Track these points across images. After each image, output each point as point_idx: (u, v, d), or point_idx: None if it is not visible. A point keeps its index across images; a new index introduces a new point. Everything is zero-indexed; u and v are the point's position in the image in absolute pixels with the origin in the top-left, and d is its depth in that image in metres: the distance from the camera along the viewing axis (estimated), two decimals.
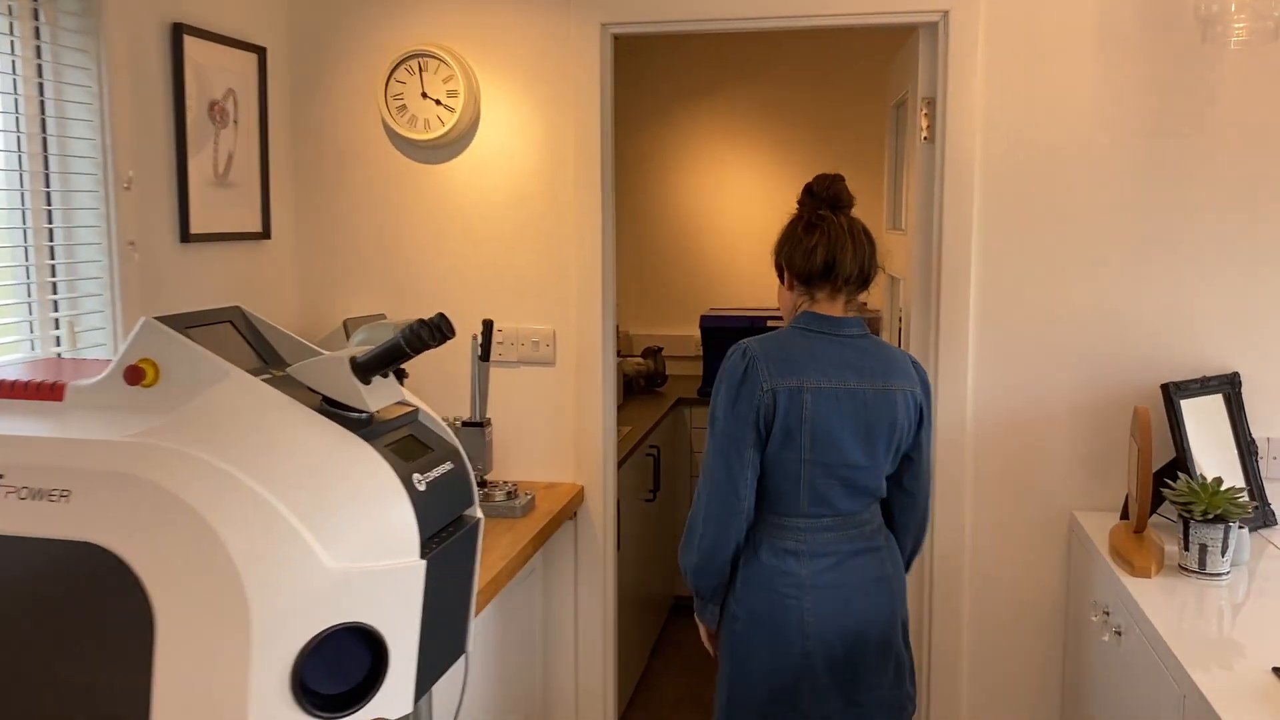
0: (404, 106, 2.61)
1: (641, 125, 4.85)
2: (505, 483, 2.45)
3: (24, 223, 1.96)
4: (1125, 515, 2.30)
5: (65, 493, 1.10)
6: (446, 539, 1.44)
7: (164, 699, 1.06)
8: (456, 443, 1.53)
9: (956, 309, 2.43)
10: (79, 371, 1.36)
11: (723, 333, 4.25)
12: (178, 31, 2.22)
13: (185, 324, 1.32)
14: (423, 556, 1.26)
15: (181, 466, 1.11)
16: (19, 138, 1.94)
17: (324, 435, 1.35)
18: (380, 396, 1.45)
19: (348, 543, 1.27)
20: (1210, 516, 1.95)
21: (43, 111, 1.97)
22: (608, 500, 2.68)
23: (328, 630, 1.13)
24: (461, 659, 1.46)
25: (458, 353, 2.67)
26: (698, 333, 4.69)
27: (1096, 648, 2.16)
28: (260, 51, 2.52)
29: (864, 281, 2.00)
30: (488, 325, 2.42)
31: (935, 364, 2.46)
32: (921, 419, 1.98)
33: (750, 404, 1.89)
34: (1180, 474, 2.10)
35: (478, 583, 1.62)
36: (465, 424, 2.41)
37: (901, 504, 2.02)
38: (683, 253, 4.86)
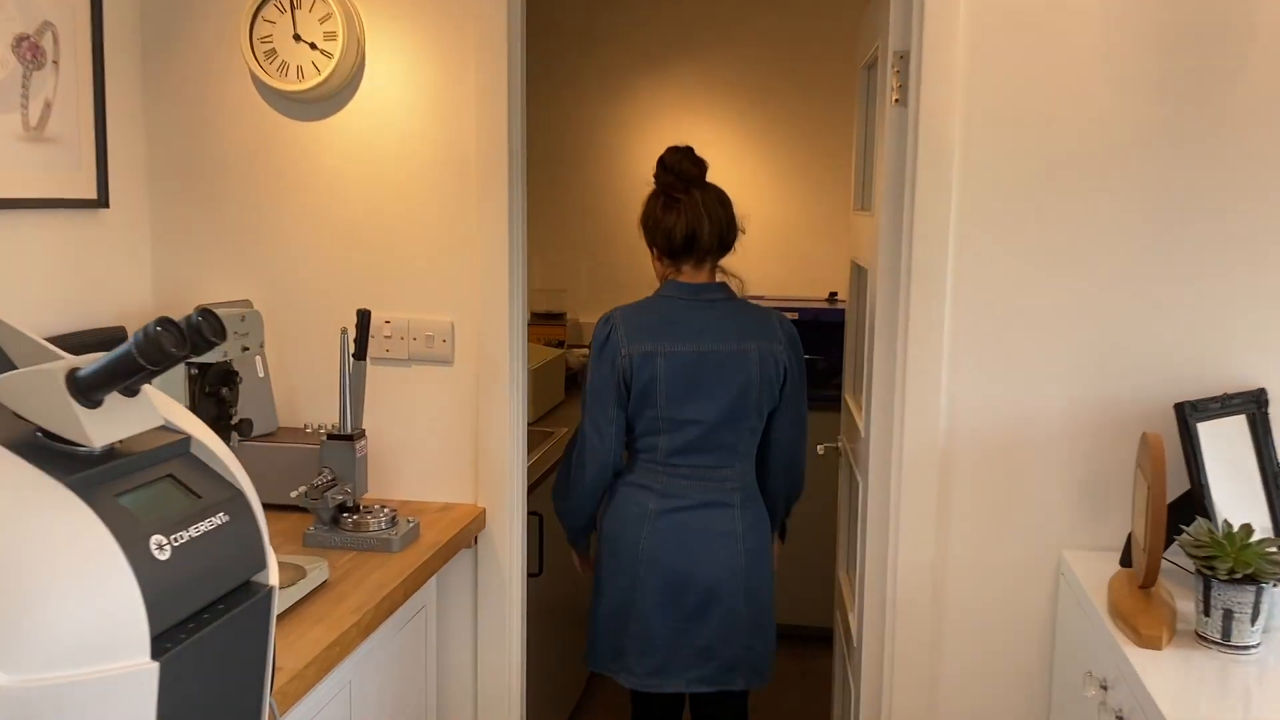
0: (273, 51, 2.17)
1: (596, 93, 4.41)
2: (383, 507, 2.03)
3: None
4: (1125, 560, 1.90)
5: None
6: (210, 622, 1.04)
7: None
8: (241, 483, 1.11)
9: (929, 306, 2.02)
10: None
11: None
12: None
13: None
14: (157, 656, 0.93)
15: None
16: None
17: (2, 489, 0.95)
18: (119, 423, 1.04)
19: (33, 647, 0.88)
20: (1238, 576, 1.55)
21: None
22: (514, 524, 2.26)
23: None
24: None
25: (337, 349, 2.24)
26: None
27: None
28: None
29: (725, 248, 2.23)
30: (363, 317, 1.99)
31: (904, 369, 2.05)
32: (786, 375, 2.22)
33: (612, 367, 2.19)
34: (1198, 517, 1.70)
35: (272, 672, 1.21)
36: (332, 437, 1.98)
37: (767, 453, 2.27)
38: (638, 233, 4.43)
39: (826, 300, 4.23)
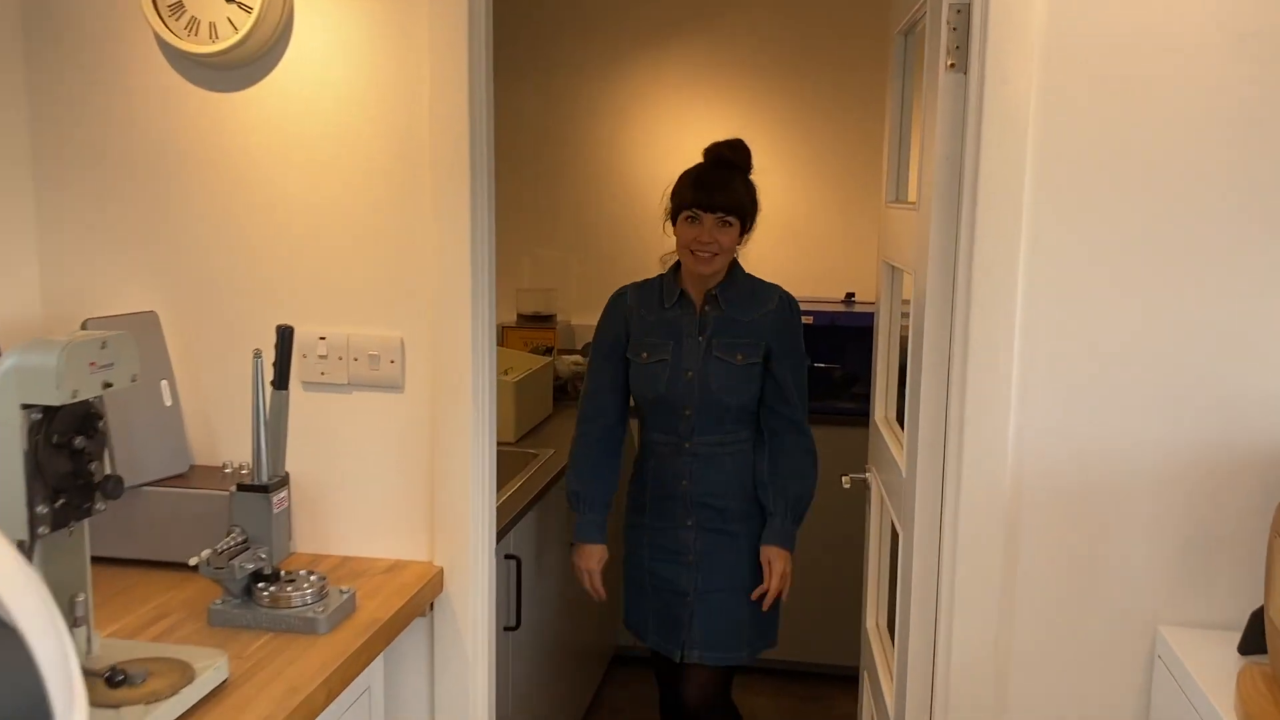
0: (180, 5, 1.76)
1: (591, 73, 4.00)
2: (310, 574, 1.62)
3: None
4: (1248, 647, 1.49)
5: None
6: None
7: None
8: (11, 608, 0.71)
9: (994, 321, 1.61)
10: None
11: None
12: None
13: None
14: None
15: None
16: None
17: None
18: None
19: None
20: None
21: None
22: (479, 586, 1.85)
23: None
24: None
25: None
26: None
27: None
28: None
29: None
30: (284, 335, 1.58)
31: (960, 397, 1.64)
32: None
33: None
34: None
35: None
36: (243, 488, 1.57)
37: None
38: (637, 226, 4.02)
39: (843, 302, 3.82)
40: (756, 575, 2.33)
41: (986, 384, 1.63)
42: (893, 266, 2.26)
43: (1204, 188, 1.54)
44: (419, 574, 1.79)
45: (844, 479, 2.39)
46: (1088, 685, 1.66)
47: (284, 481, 1.59)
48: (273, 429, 1.60)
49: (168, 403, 1.83)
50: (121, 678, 1.26)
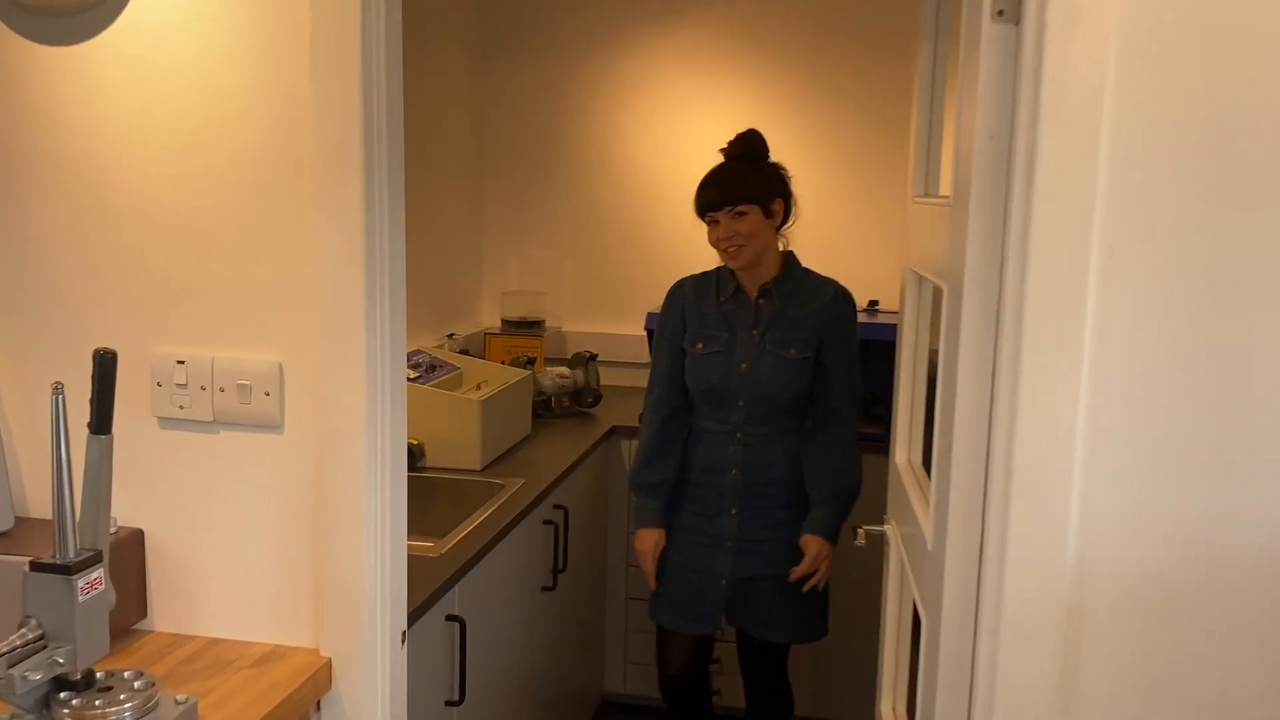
0: None
1: (586, 51, 3.59)
2: (136, 680, 1.23)
3: None
4: None
5: None
6: None
7: None
8: None
9: (1054, 351, 1.19)
10: None
11: None
12: None
13: None
14: None
15: None
16: None
17: None
18: None
19: None
20: None
21: None
22: (381, 681, 1.45)
23: None
24: None
25: (123, 408, 1.42)
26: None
27: None
28: None
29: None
30: (103, 364, 1.18)
31: (1006, 448, 1.21)
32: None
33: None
34: None
35: None
36: (38, 567, 1.18)
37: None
38: (640, 224, 3.61)
39: (865, 311, 3.39)
40: (797, 565, 2.36)
41: (1043, 438, 1.20)
42: (919, 275, 1.83)
43: None
44: (299, 667, 1.39)
45: (858, 534, 1.97)
46: None
47: (96, 559, 1.20)
48: (90, 487, 1.20)
49: None
50: None
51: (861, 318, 3.26)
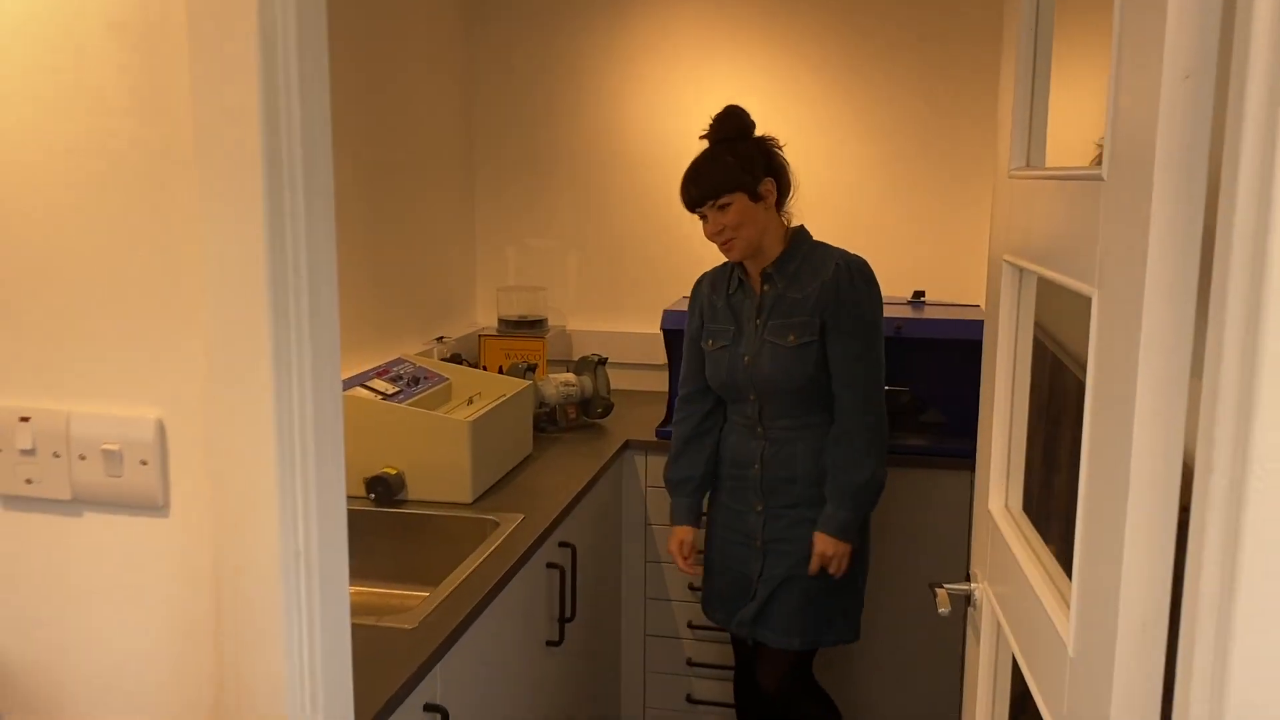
0: None
1: (587, 21, 3.17)
2: None
3: None
4: None
5: None
6: None
7: None
8: None
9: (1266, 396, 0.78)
10: None
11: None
12: None
13: None
14: None
15: None
16: None
17: None
18: None
19: None
20: None
21: None
22: None
23: None
24: None
25: None
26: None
27: None
28: None
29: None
30: None
31: (1223, 539, 0.80)
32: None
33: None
34: None
35: None
36: None
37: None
38: (650, 212, 3.21)
39: (909, 303, 2.97)
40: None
41: (1272, 514, 0.79)
42: (1020, 269, 1.42)
43: None
44: None
45: (938, 595, 1.56)
46: None
47: None
48: None
49: None
50: None
51: (906, 311, 2.86)
